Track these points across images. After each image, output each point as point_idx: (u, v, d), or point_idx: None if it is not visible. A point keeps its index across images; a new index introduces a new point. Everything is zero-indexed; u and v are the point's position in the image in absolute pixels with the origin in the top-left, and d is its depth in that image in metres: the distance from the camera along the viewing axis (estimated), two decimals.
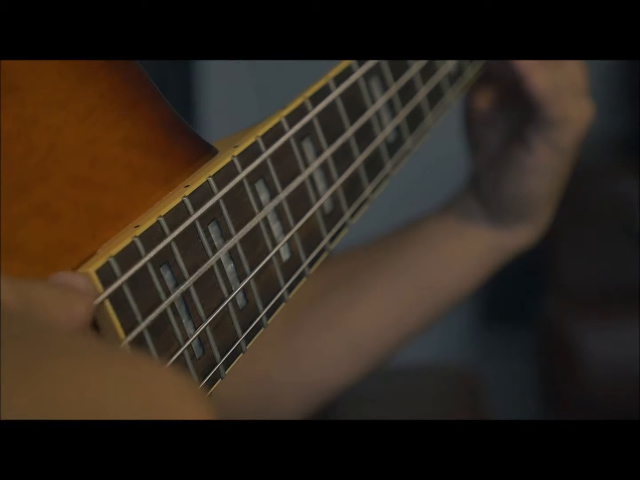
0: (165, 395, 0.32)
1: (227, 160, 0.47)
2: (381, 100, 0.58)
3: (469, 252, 0.76)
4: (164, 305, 0.42)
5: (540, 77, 0.67)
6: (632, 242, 1.92)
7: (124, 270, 0.40)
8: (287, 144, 0.50)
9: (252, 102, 1.95)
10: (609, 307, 1.94)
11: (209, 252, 0.45)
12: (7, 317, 0.33)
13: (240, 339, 0.47)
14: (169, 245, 0.43)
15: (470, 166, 0.77)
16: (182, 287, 0.43)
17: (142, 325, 0.41)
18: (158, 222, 0.43)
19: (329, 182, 0.54)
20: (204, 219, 0.45)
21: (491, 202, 0.75)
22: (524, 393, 2.17)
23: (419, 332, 0.78)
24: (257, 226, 0.48)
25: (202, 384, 0.44)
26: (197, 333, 0.44)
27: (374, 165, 0.58)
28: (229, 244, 0.46)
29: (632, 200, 1.94)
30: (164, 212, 0.43)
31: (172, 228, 0.43)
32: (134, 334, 0.40)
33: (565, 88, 0.69)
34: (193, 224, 0.44)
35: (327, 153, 0.53)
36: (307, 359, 0.75)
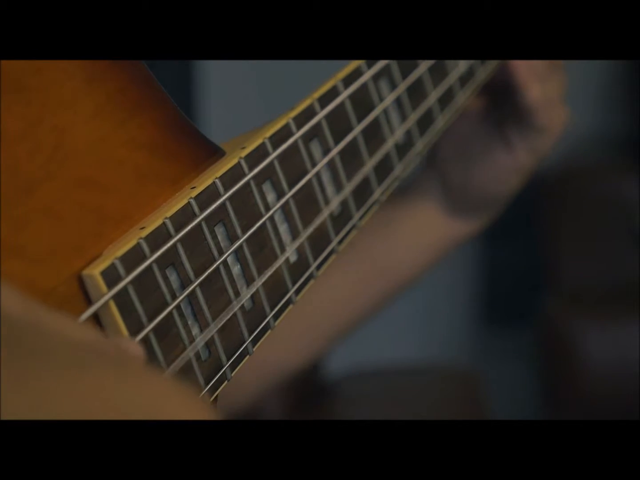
0: (166, 402, 0.32)
1: (234, 161, 0.47)
2: (390, 103, 0.58)
3: (422, 238, 0.78)
4: (170, 307, 0.42)
5: (535, 89, 0.70)
6: (632, 242, 1.92)
7: (129, 272, 0.40)
8: (294, 145, 0.50)
9: (253, 102, 1.95)
10: (609, 307, 1.94)
11: (215, 253, 0.45)
12: (6, 322, 0.33)
13: (247, 342, 0.46)
14: (174, 247, 0.43)
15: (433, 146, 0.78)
16: (188, 289, 0.43)
17: (148, 328, 0.41)
18: (164, 223, 0.42)
19: (338, 184, 0.54)
20: (210, 221, 0.45)
21: (455, 191, 0.76)
22: (524, 393, 2.17)
23: (372, 313, 0.79)
24: (264, 228, 0.48)
25: (209, 386, 0.44)
26: (204, 335, 0.44)
27: (383, 167, 0.58)
28: (236, 245, 0.46)
29: (633, 201, 1.94)
30: (170, 213, 0.43)
31: (178, 230, 0.43)
32: (139, 336, 0.40)
33: (553, 98, 0.71)
34: (199, 226, 0.44)
35: (335, 154, 0.53)
36: (264, 340, 0.76)
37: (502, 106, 0.73)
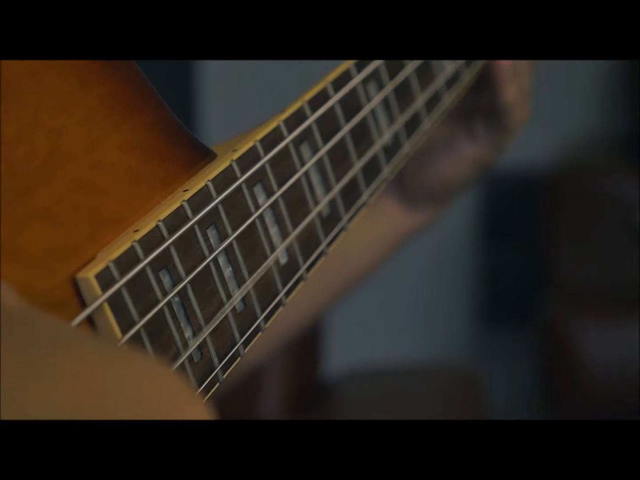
0: (169, 391, 0.33)
1: (226, 164, 0.47)
2: (379, 106, 0.58)
3: (375, 231, 0.77)
4: (163, 309, 0.42)
5: (512, 91, 0.70)
6: (632, 243, 1.92)
7: (123, 275, 0.40)
8: (285, 148, 0.50)
9: (252, 102, 1.96)
10: (609, 307, 1.94)
11: (208, 256, 0.45)
12: (7, 316, 0.33)
13: (239, 344, 0.47)
14: (167, 250, 0.43)
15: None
16: (180, 290, 0.43)
17: (141, 330, 0.41)
18: (157, 226, 0.43)
19: (327, 186, 0.54)
20: (202, 223, 0.45)
21: (409, 180, 0.75)
22: (524, 393, 2.17)
23: (327, 307, 0.78)
24: (255, 230, 0.48)
25: (201, 388, 0.44)
26: (196, 339, 0.44)
27: (371, 169, 0.58)
28: (226, 243, 0.46)
29: (633, 201, 1.94)
30: (163, 216, 0.43)
31: (171, 232, 0.43)
32: (132, 338, 0.40)
33: (524, 94, 0.71)
34: (192, 228, 0.44)
35: (325, 157, 0.54)
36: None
37: (473, 99, 0.73)
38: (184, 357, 0.43)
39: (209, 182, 0.46)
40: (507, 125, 0.72)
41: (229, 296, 0.46)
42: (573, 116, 2.22)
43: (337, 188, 0.54)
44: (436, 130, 0.73)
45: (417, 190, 0.75)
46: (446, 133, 0.74)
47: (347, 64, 0.56)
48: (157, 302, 0.42)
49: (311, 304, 0.77)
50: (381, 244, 0.78)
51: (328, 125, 0.54)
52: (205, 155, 0.48)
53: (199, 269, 0.44)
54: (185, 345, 0.43)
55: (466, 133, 0.73)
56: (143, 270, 0.41)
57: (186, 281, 0.43)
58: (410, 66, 0.62)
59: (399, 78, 0.61)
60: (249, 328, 0.48)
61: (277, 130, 0.50)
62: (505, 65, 0.69)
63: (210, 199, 0.45)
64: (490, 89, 0.70)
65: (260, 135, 0.49)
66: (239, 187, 0.47)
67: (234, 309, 0.47)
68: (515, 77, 0.70)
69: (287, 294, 0.51)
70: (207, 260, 0.45)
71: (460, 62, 0.68)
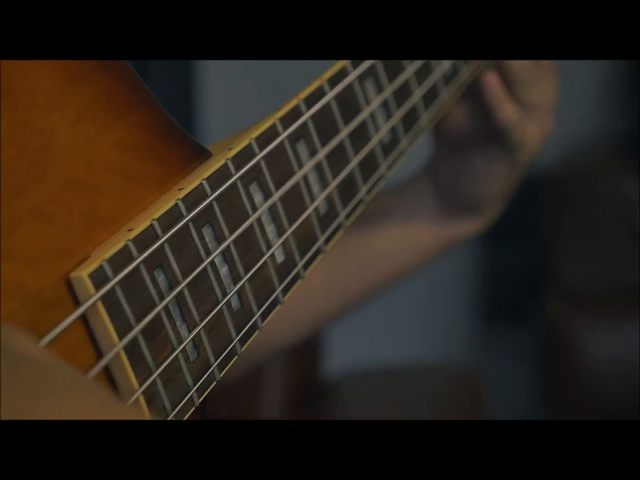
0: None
1: (221, 163, 0.47)
2: (376, 102, 0.58)
3: (411, 235, 0.79)
4: (158, 308, 0.42)
5: (508, 111, 0.70)
6: (632, 243, 1.92)
7: (117, 274, 0.40)
8: (281, 146, 0.50)
9: (252, 102, 1.95)
10: (609, 307, 1.94)
11: (203, 254, 0.45)
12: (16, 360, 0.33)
13: (235, 341, 0.47)
14: (162, 249, 0.43)
15: (430, 151, 0.78)
16: (176, 290, 0.43)
17: (136, 329, 0.41)
18: (151, 225, 0.42)
19: (324, 183, 0.54)
20: (197, 222, 0.45)
21: (444, 191, 0.77)
22: (524, 393, 2.17)
23: (360, 301, 0.81)
24: (251, 228, 0.48)
25: (197, 386, 0.44)
26: (192, 336, 0.44)
27: (368, 166, 0.58)
28: (222, 247, 0.46)
29: (633, 201, 1.94)
30: (157, 215, 0.43)
31: (166, 231, 0.43)
32: (127, 337, 0.40)
33: (534, 107, 0.71)
34: (186, 227, 0.44)
35: (322, 154, 0.53)
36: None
37: (485, 118, 0.73)
38: (179, 355, 0.43)
39: (203, 181, 0.45)
40: (515, 145, 0.72)
41: (224, 294, 0.46)
42: (573, 116, 2.22)
43: (333, 185, 0.54)
44: (459, 149, 0.75)
45: (451, 201, 0.77)
46: (466, 151, 0.75)
47: (344, 62, 0.56)
48: (153, 301, 0.42)
49: (344, 294, 0.79)
50: (421, 250, 0.80)
51: (325, 123, 0.54)
52: (200, 154, 0.48)
53: (195, 272, 0.44)
54: (181, 344, 0.43)
55: (481, 153, 0.74)
56: (137, 269, 0.41)
57: (182, 285, 0.43)
58: (410, 68, 0.62)
59: (398, 80, 0.61)
60: (246, 326, 0.47)
61: (272, 128, 0.50)
62: (495, 87, 0.69)
63: (205, 198, 0.45)
64: (488, 112, 0.71)
65: (256, 133, 0.49)
66: (235, 185, 0.47)
67: (230, 307, 0.46)
68: (508, 96, 0.70)
69: (284, 291, 0.50)
70: (205, 264, 0.45)
71: None
